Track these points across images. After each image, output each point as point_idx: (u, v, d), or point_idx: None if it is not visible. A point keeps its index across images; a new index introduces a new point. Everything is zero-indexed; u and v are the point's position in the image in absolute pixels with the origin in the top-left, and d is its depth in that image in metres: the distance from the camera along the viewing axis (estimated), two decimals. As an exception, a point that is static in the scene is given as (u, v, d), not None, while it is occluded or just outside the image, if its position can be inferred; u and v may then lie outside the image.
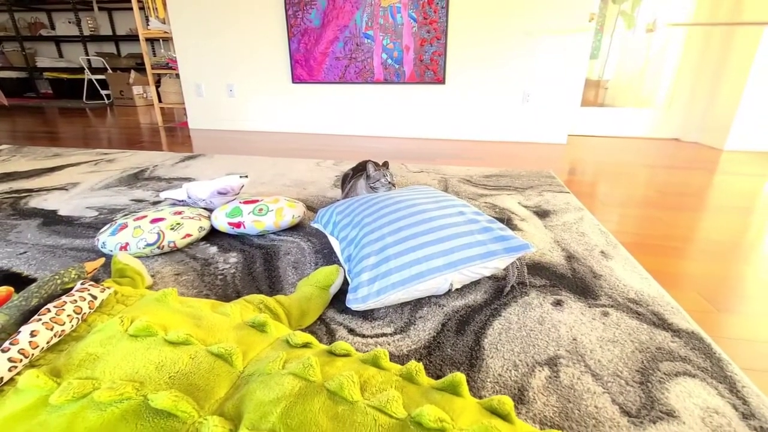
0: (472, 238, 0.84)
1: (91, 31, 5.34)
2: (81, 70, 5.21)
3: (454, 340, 0.72)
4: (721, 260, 1.07)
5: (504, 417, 0.43)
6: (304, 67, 2.90)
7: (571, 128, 3.20)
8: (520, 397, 0.59)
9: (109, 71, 4.93)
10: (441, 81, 2.78)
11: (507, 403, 0.44)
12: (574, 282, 0.92)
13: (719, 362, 0.67)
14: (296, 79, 2.95)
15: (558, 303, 0.83)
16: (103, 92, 5.02)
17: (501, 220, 1.28)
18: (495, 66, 2.69)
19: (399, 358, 0.67)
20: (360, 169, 1.37)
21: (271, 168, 1.92)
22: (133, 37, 5.30)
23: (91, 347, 0.50)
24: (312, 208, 1.38)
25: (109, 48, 5.64)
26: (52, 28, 5.63)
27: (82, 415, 0.41)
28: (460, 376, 0.48)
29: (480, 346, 0.70)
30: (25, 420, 0.41)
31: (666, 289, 0.92)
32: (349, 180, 1.38)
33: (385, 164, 1.33)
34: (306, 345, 0.56)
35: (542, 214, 1.36)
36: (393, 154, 2.36)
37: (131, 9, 5.15)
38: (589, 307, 0.82)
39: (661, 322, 0.77)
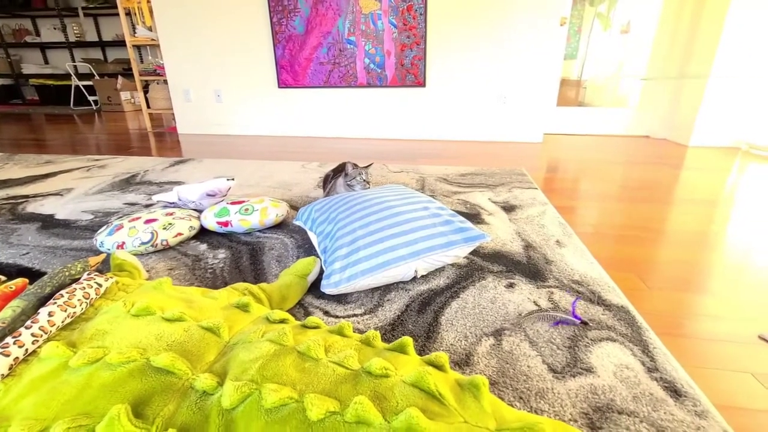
0: (435, 230, 0.95)
1: (76, 37, 5.36)
2: (67, 76, 5.23)
3: (416, 318, 0.82)
4: (663, 246, 1.20)
5: (439, 367, 0.54)
6: (290, 72, 3.00)
7: (547, 127, 3.34)
8: (466, 361, 0.70)
9: (96, 77, 4.96)
10: (422, 84, 2.89)
11: (442, 356, 0.55)
12: (527, 267, 1.03)
13: (639, 330, 0.78)
14: (282, 84, 3.04)
15: (510, 285, 0.95)
16: (91, 98, 5.05)
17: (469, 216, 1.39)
18: (473, 69, 2.82)
19: (366, 334, 0.77)
20: (340, 170, 1.47)
21: (257, 171, 2.02)
22: (119, 43, 5.33)
23: (99, 325, 0.60)
24: (296, 208, 1.48)
25: (96, 54, 5.66)
26: (37, 34, 5.63)
27: (97, 374, 0.50)
28: (407, 339, 0.59)
29: (437, 322, 0.81)
30: (49, 380, 0.51)
31: (608, 271, 1.04)
32: (330, 180, 1.48)
33: (368, 166, 1.43)
34: (283, 321, 0.66)
35: (509, 208, 1.48)
36: (375, 155, 2.47)
37: (117, 15, 5.18)
38: (537, 288, 0.94)
39: (597, 299, 0.89)
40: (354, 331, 0.73)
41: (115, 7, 4.90)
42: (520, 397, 0.62)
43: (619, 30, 3.48)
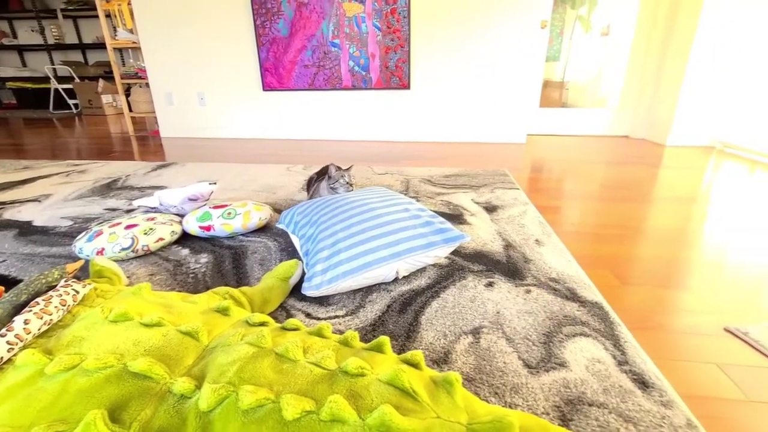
0: (415, 231, 0.96)
1: (55, 39, 5.26)
2: (46, 79, 5.12)
3: (396, 318, 0.84)
4: (637, 243, 1.24)
5: (415, 365, 0.56)
6: (274, 75, 2.99)
7: (531, 128, 3.40)
8: (444, 359, 0.72)
9: (77, 80, 4.87)
10: (406, 86, 2.92)
11: (418, 355, 0.56)
12: (507, 266, 1.06)
13: (611, 325, 0.81)
14: (266, 86, 3.03)
15: (490, 284, 0.97)
16: (71, 102, 4.95)
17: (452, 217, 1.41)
18: (457, 71, 2.85)
19: (348, 335, 0.78)
20: (323, 173, 1.48)
21: (242, 174, 2.01)
22: (100, 45, 5.24)
23: (77, 332, 0.60)
24: (280, 211, 1.48)
25: (76, 56, 5.55)
26: (14, 36, 5.50)
27: (74, 380, 0.50)
28: (384, 339, 0.60)
29: (418, 322, 0.82)
30: (25, 387, 0.51)
31: (585, 269, 1.07)
32: (313, 183, 1.48)
33: (348, 168, 1.44)
34: (263, 323, 0.67)
35: (491, 209, 1.51)
36: (360, 157, 2.48)
37: (98, 17, 5.09)
38: (516, 286, 0.96)
39: (572, 296, 0.91)
40: (334, 332, 0.74)
41: (95, 9, 4.82)
42: (496, 393, 0.64)
43: (600, 32, 3.57)
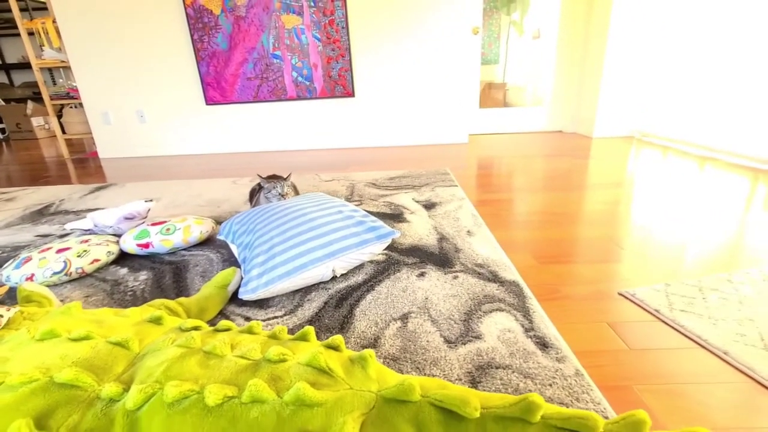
0: (348, 231, 1.03)
1: (-26, 60, 4.87)
2: (-35, 104, 4.73)
3: (332, 312, 0.89)
4: (556, 226, 1.37)
5: (335, 348, 0.61)
6: (216, 89, 2.97)
7: (473, 128, 3.58)
8: (374, 344, 0.78)
9: (2, 103, 4.54)
10: (351, 94, 2.99)
11: (338, 339, 0.62)
12: (439, 257, 1.14)
13: (524, 299, 0.91)
14: (209, 101, 3.00)
15: (422, 274, 1.05)
16: (-4, 126, 4.60)
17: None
18: (399, 77, 2.97)
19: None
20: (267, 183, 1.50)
21: (186, 190, 1.99)
22: (26, 65, 4.93)
23: (1, 353, 0.60)
24: (224, 224, 1.49)
25: (0, 77, 5.17)
26: (-76, 59, 5.04)
27: (-3, 397, 0.52)
28: (309, 328, 0.65)
29: (352, 314, 0.88)
30: (-55, 410, 0.51)
31: (508, 253, 1.17)
32: (256, 194, 1.51)
33: (288, 176, 1.48)
34: (195, 328, 0.70)
35: (430, 206, 1.60)
36: (308, 165, 2.52)
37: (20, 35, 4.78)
38: (445, 273, 1.04)
39: (493, 277, 1.01)
40: (265, 330, 0.78)
41: (17, 27, 4.54)
42: (417, 368, 0.71)
43: (531, 36, 3.83)
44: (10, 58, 5.10)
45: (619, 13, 2.81)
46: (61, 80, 4.41)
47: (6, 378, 0.54)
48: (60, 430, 0.49)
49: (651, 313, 0.86)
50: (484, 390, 0.65)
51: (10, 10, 4.70)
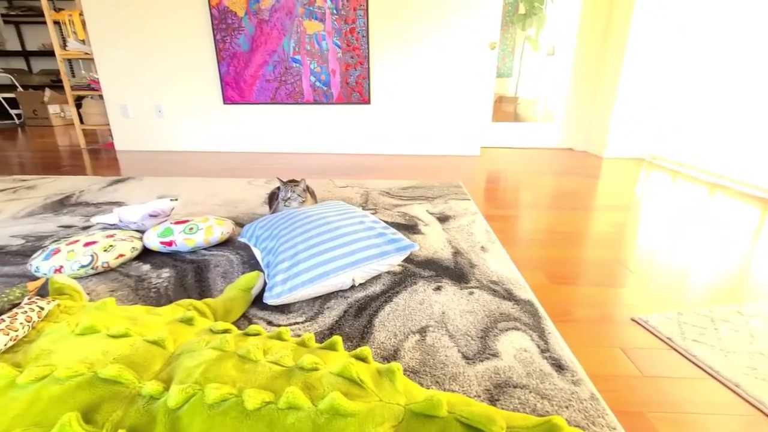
0: (369, 242, 1.05)
1: (-5, 46, 4.95)
2: (-15, 88, 4.81)
3: (352, 322, 0.92)
4: (567, 246, 1.39)
5: (363, 359, 0.64)
6: (235, 89, 3.01)
7: (485, 141, 3.61)
8: (394, 356, 0.80)
9: (20, 89, 4.61)
10: (367, 101, 3.03)
11: (366, 350, 0.65)
12: (454, 271, 1.17)
13: (539, 319, 0.93)
14: (227, 100, 3.04)
15: (438, 288, 1.07)
16: (13, 112, 4.67)
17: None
18: (414, 88, 3.00)
19: (307, 339, 0.85)
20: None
21: (203, 189, 2.02)
22: (46, 53, 5.00)
23: (44, 345, 0.63)
24: (242, 225, 1.52)
25: (18, 63, 5.25)
26: (-53, 42, 5.12)
27: (46, 389, 0.54)
28: (337, 338, 0.68)
29: (371, 324, 0.91)
30: (-4, 399, 0.54)
31: (521, 271, 1.20)
32: (276, 197, 1.54)
33: (302, 180, 1.50)
34: (226, 331, 0.73)
35: (443, 219, 1.63)
36: (322, 170, 2.55)
37: (43, 23, 4.86)
38: (461, 289, 1.07)
39: (509, 295, 1.03)
40: (293, 336, 0.81)
41: (41, 15, 4.61)
42: (437, 382, 0.73)
43: (546, 52, 3.87)
44: (30, 46, 5.17)
45: (636, 34, 2.85)
46: (81, 71, 4.47)
47: (53, 371, 0.57)
48: (105, 425, 0.51)
49: (663, 341, 0.88)
50: (503, 408, 0.67)
51: (34, -1, 4.79)
